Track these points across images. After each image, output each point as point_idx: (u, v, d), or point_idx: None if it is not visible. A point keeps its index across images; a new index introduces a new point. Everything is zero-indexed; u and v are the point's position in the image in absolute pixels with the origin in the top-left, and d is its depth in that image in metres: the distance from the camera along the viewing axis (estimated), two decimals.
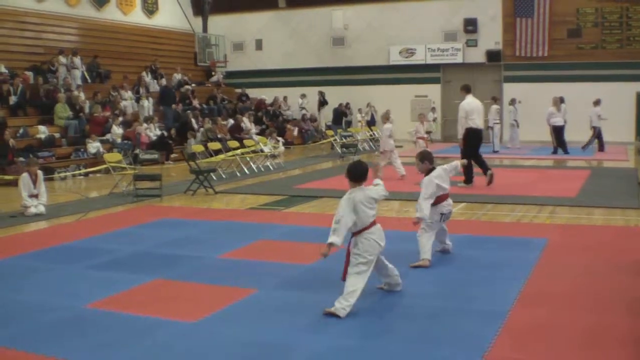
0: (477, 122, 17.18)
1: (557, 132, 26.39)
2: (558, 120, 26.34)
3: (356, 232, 7.37)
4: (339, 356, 6.21)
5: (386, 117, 20.19)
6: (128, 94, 28.84)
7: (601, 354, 6.14)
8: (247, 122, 29.95)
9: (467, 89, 17.74)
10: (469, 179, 17.27)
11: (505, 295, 7.77)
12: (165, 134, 26.38)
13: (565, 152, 25.94)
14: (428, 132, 33.75)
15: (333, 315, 7.13)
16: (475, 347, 6.23)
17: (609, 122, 27.37)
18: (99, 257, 10.23)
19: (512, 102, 29.09)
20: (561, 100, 26.74)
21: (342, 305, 7.15)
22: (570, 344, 6.34)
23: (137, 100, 28.94)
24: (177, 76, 33.64)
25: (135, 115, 27.58)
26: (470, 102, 17.32)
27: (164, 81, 32.17)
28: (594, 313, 7.20)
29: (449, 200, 9.79)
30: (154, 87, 31.48)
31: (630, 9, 31.25)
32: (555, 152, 26.25)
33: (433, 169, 9.72)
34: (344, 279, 7.35)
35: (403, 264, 8.81)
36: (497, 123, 28.22)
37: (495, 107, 28.11)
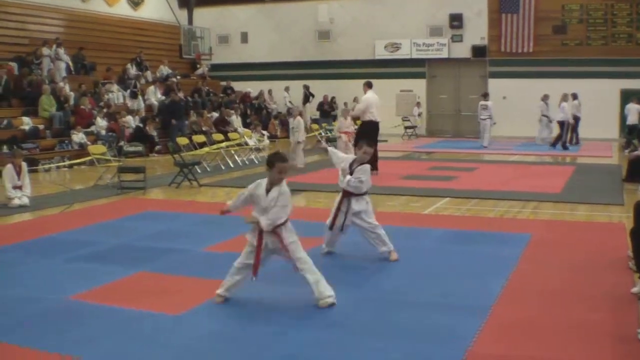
0: (375, 115, 18.56)
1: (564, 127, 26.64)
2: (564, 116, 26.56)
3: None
4: (322, 350, 6.21)
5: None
6: (114, 86, 28.70)
7: (584, 349, 6.17)
8: (234, 119, 29.87)
9: (369, 85, 19.10)
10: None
11: (489, 291, 7.80)
12: (141, 125, 26.23)
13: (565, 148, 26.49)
14: (412, 127, 33.99)
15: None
16: (458, 342, 6.25)
17: (593, 119, 27.53)
18: (82, 249, 10.20)
19: (545, 98, 28.34)
20: (574, 96, 26.91)
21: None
22: (554, 340, 6.37)
23: (134, 95, 28.82)
24: (164, 69, 33.51)
25: (121, 108, 27.45)
26: (370, 97, 18.68)
27: (148, 74, 32.10)
28: (577, 309, 7.23)
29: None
30: (139, 79, 31.34)
31: (615, 6, 31.38)
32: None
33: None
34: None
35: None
36: (486, 118, 28.12)
37: (485, 102, 28.08)
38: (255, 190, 7.34)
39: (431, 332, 6.58)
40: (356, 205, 9.25)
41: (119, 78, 29.90)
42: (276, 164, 7.24)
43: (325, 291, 7.36)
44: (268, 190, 7.28)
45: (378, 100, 19.01)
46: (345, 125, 21.06)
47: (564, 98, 26.77)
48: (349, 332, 6.63)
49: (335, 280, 8.17)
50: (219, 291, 7.53)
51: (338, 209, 9.31)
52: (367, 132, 17.78)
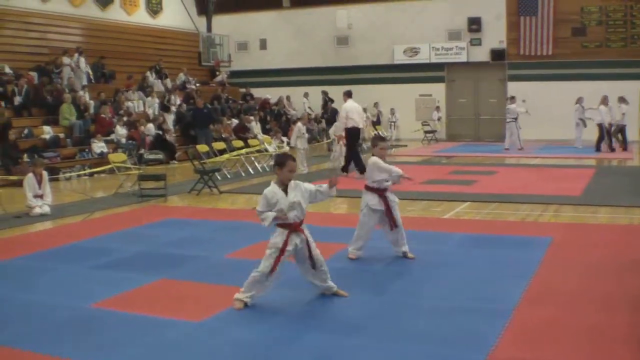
0: (357, 122, 19.96)
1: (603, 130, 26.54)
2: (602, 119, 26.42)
3: None
4: (345, 355, 6.21)
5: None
6: (134, 94, 28.83)
7: (606, 352, 6.14)
8: (253, 125, 29.90)
9: (348, 94, 20.44)
10: (345, 169, 19.99)
11: (510, 294, 7.77)
12: (160, 133, 26.27)
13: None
14: (432, 132, 33.95)
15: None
16: (480, 346, 6.23)
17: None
18: (104, 256, 10.24)
19: (580, 100, 28.01)
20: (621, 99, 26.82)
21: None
22: (575, 343, 6.34)
23: (166, 108, 28.89)
24: (183, 76, 33.63)
25: (141, 116, 27.55)
26: (349, 105, 20.06)
27: (168, 82, 32.21)
28: (598, 311, 7.19)
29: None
30: (159, 87, 31.48)
31: (634, 7, 31.23)
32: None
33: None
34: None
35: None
36: (510, 121, 27.98)
37: (512, 106, 27.97)
38: (272, 199, 7.42)
39: (453, 336, 6.56)
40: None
41: (139, 86, 30.00)
42: (287, 162, 7.48)
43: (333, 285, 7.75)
44: (284, 191, 7.44)
45: (359, 107, 20.59)
46: (340, 129, 21.40)
47: (604, 100, 26.59)
48: (370, 336, 6.62)
49: (356, 285, 8.21)
50: (240, 296, 7.55)
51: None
52: (350, 138, 19.81)
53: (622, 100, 26.89)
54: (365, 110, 34.93)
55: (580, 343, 6.34)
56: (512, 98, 28.64)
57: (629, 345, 6.28)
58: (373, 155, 9.74)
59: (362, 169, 18.85)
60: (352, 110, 19.97)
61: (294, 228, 7.48)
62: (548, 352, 6.12)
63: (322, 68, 36.83)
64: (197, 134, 26.83)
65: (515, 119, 27.92)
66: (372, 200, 9.55)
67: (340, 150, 21.15)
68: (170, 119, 28.14)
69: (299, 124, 22.03)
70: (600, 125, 26.48)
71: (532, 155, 25.81)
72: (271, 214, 7.41)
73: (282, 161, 7.50)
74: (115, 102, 27.05)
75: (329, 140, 29.01)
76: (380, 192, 9.56)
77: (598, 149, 26.51)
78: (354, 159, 19.84)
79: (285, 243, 7.44)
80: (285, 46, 37.73)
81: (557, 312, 7.17)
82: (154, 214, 14.37)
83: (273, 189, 7.46)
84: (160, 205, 15.72)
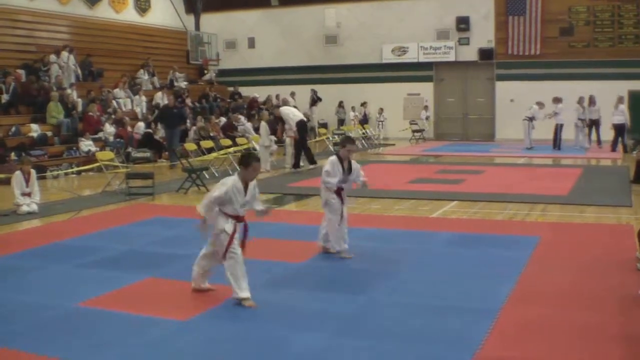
0: (299, 116, 22.02)
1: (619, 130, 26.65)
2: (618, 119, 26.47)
3: None
4: (330, 354, 6.23)
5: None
6: (122, 92, 28.76)
7: (593, 351, 6.16)
8: (245, 123, 29.81)
9: (284, 102, 24.70)
10: (297, 164, 21.57)
11: (497, 293, 7.80)
12: (150, 131, 26.15)
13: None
14: (420, 131, 33.97)
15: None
16: (466, 345, 6.25)
17: (601, 120, 27.39)
18: (91, 255, 10.22)
19: (581, 100, 27.85)
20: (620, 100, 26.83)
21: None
22: (562, 342, 6.37)
23: (154, 107, 28.81)
24: (175, 74, 33.57)
25: (128, 114, 27.47)
26: (284, 109, 22.43)
27: (156, 80, 32.15)
28: (586, 311, 7.23)
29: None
30: (147, 85, 31.43)
31: (621, 8, 31.27)
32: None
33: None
34: None
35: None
36: (526, 119, 28.00)
37: (535, 106, 27.95)
38: (231, 192, 7.70)
39: (440, 335, 6.58)
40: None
41: (129, 84, 29.93)
42: (253, 163, 7.82)
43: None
44: (245, 188, 7.79)
45: (293, 109, 23.34)
46: (291, 131, 22.08)
47: (621, 101, 26.66)
48: (359, 336, 6.64)
49: (345, 285, 8.23)
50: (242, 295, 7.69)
51: None
52: (299, 130, 21.34)
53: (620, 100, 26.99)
54: (353, 109, 35.14)
55: (568, 342, 6.37)
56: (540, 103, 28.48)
57: (617, 344, 6.31)
58: (337, 153, 9.90)
59: (312, 160, 21.60)
60: (287, 114, 21.84)
61: (240, 220, 7.83)
62: (535, 351, 6.15)
63: (310, 67, 36.75)
64: (165, 134, 24.97)
65: (531, 119, 27.94)
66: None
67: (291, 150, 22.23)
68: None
69: (263, 122, 22.48)
70: (618, 126, 26.49)
71: (519, 155, 25.82)
72: (211, 209, 7.80)
73: (248, 162, 7.82)
74: (103, 101, 26.95)
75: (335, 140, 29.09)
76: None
77: (614, 149, 26.54)
78: (305, 151, 21.62)
79: (235, 229, 7.77)
80: (273, 45, 37.66)
81: (545, 311, 7.20)
82: (141, 212, 14.34)
83: (236, 185, 7.73)
84: (148, 203, 15.70)
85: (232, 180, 7.74)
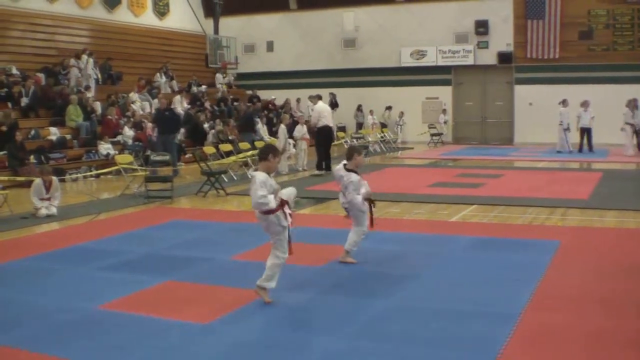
0: (329, 121, 22.19)
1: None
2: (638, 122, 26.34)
3: None
4: (352, 358, 6.19)
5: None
6: (135, 95, 28.82)
7: (612, 357, 6.11)
8: (260, 127, 29.79)
9: (319, 97, 23.04)
10: (319, 166, 21.58)
11: (517, 298, 7.75)
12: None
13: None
14: (439, 134, 33.92)
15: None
16: (486, 350, 6.21)
17: (621, 124, 27.22)
18: (110, 258, 10.24)
19: (634, 102, 27.04)
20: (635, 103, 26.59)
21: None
22: (582, 347, 6.32)
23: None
24: (195, 80, 33.71)
25: (146, 117, 27.52)
26: (320, 106, 22.29)
27: (174, 83, 32.25)
28: (605, 316, 7.17)
29: None
30: (166, 89, 31.53)
31: None
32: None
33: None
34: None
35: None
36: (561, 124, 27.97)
37: (563, 109, 27.80)
38: (267, 182, 7.68)
39: (460, 340, 6.54)
40: None
41: (148, 88, 30.04)
42: (277, 153, 8.01)
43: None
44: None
45: (328, 108, 23.23)
46: (302, 132, 22.50)
47: (636, 103, 26.49)
48: (379, 340, 6.60)
49: (364, 289, 8.20)
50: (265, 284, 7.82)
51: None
52: (322, 136, 21.75)
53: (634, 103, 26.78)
54: (371, 112, 35.12)
55: (588, 348, 6.31)
56: (564, 101, 28.26)
57: (636, 351, 6.25)
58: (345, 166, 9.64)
59: (326, 167, 21.36)
60: (323, 111, 22.03)
61: (278, 209, 7.75)
62: (555, 357, 6.10)
63: (329, 70, 36.79)
64: (158, 139, 22.72)
65: (561, 122, 27.79)
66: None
67: (304, 152, 22.81)
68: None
69: (282, 125, 22.49)
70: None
71: (538, 159, 25.68)
72: (272, 197, 7.67)
73: (275, 152, 7.98)
74: (123, 104, 27.04)
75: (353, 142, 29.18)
76: None
77: None
78: (324, 156, 21.74)
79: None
80: (292, 48, 37.71)
81: (565, 317, 7.14)
82: (160, 215, 14.36)
83: (266, 175, 7.73)
84: (167, 207, 15.72)
85: (259, 175, 7.70)
